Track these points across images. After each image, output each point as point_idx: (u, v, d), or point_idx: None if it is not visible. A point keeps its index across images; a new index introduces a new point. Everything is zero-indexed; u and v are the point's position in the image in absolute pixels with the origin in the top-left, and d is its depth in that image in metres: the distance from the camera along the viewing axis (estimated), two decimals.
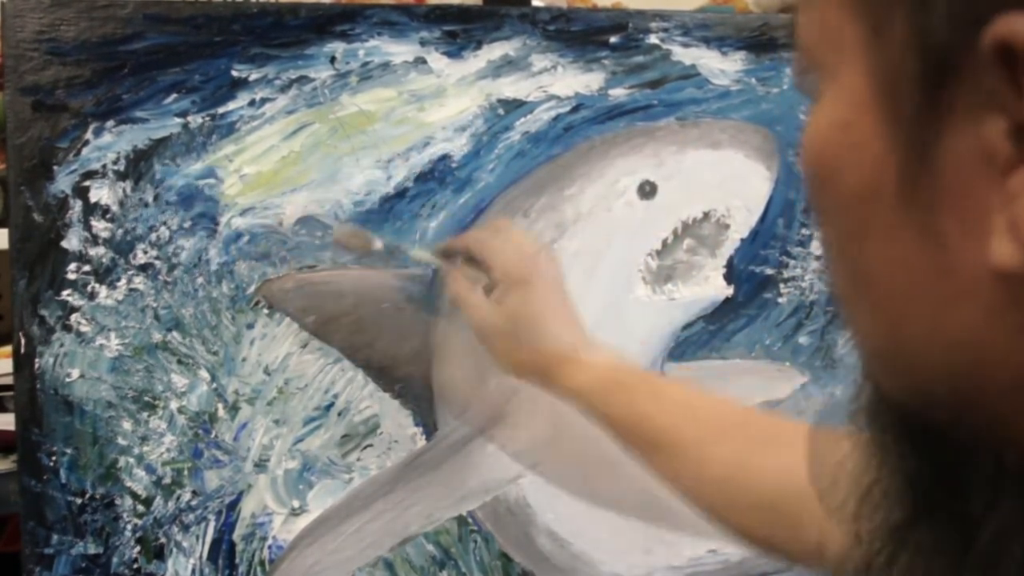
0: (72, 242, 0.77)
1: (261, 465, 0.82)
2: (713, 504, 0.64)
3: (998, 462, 0.29)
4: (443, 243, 0.81)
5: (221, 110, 0.80)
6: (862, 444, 0.35)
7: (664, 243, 0.89)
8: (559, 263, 0.78)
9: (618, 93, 0.89)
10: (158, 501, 0.80)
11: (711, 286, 0.90)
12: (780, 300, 0.93)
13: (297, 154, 0.82)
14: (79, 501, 0.78)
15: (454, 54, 0.85)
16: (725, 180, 0.90)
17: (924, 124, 0.28)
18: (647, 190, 0.88)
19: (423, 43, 0.84)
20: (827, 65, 0.32)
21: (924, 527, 0.32)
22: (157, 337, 0.79)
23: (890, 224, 0.30)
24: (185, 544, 0.80)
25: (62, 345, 0.77)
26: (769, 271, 0.93)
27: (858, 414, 0.35)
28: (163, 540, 0.80)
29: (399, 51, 0.83)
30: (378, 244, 0.80)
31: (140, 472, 0.79)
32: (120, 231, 0.78)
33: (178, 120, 0.79)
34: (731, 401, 0.70)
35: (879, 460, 0.34)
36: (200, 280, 0.80)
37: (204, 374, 0.80)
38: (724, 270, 0.91)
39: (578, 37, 0.88)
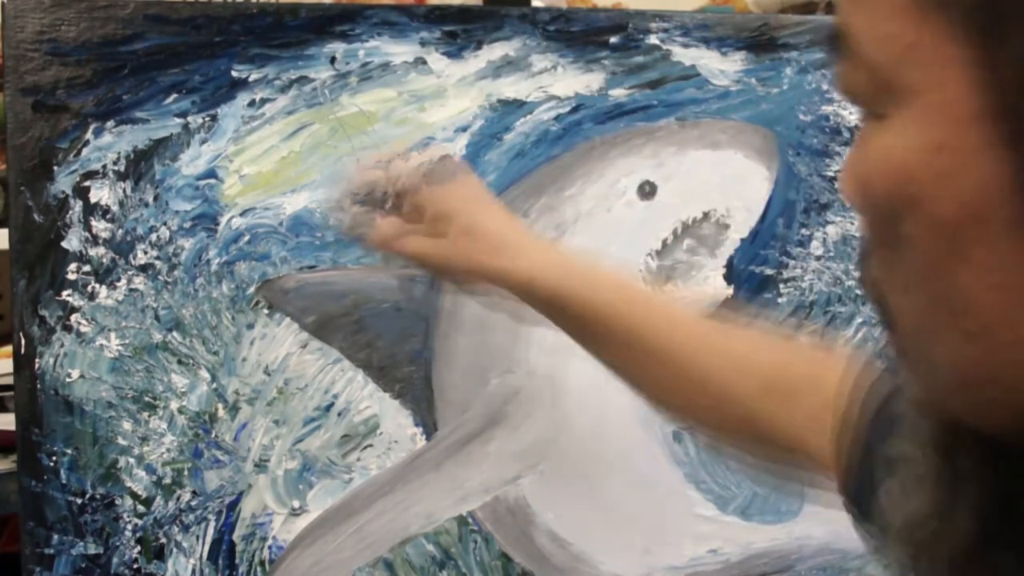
0: (72, 242, 0.77)
1: (261, 465, 0.82)
2: (700, 399, 0.61)
3: None
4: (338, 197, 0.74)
5: (221, 110, 0.80)
6: (911, 469, 0.34)
7: (664, 243, 0.89)
8: (465, 167, 0.74)
9: (618, 93, 0.89)
10: (158, 501, 0.79)
11: (711, 286, 0.90)
12: (780, 300, 0.93)
13: (297, 154, 0.82)
14: (79, 501, 0.78)
15: (454, 54, 0.85)
16: (725, 180, 0.91)
17: None
18: (647, 190, 0.88)
19: (423, 43, 0.84)
20: (907, 85, 0.30)
21: (990, 559, 0.31)
22: (157, 337, 0.79)
23: (996, 249, 0.29)
24: (185, 544, 0.80)
25: (62, 345, 0.77)
26: (769, 271, 0.93)
27: (916, 445, 0.34)
28: (163, 540, 0.80)
29: (399, 51, 0.84)
30: None
31: (140, 472, 0.79)
32: (120, 231, 0.78)
33: (178, 120, 0.79)
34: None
35: (941, 488, 0.33)
36: (200, 280, 0.80)
37: (204, 374, 0.80)
38: (724, 270, 0.91)
39: (578, 37, 0.88)
